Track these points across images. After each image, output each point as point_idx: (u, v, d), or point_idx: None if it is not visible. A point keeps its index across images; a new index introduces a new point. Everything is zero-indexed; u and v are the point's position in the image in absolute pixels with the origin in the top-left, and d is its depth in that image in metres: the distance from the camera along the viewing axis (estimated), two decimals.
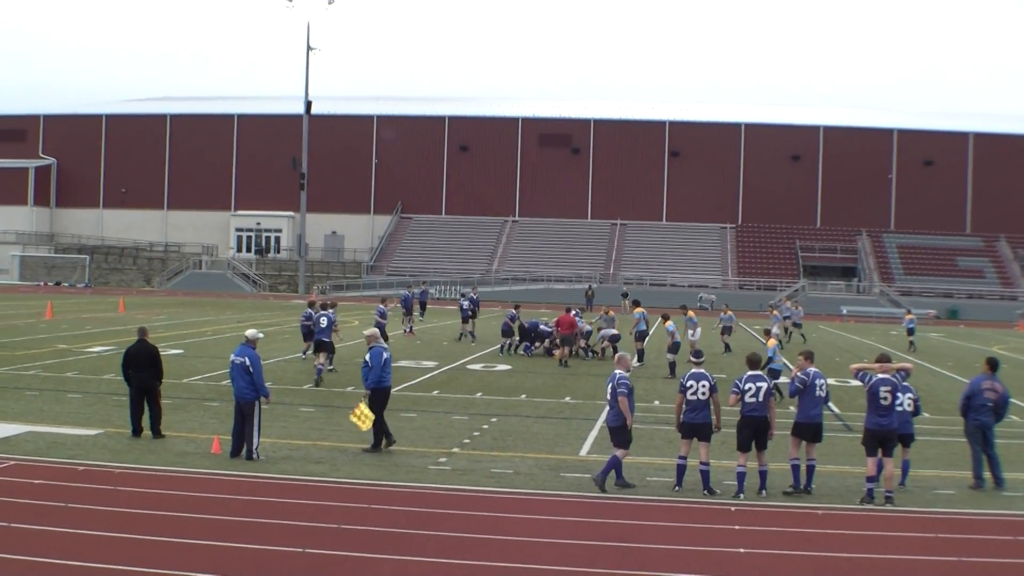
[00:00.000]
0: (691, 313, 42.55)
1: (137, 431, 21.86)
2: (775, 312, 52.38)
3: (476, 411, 26.86)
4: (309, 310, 35.50)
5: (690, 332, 39.00)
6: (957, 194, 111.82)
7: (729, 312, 49.77)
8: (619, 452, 18.25)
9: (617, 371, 18.57)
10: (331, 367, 33.13)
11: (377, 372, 21.05)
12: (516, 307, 46.81)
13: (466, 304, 50.62)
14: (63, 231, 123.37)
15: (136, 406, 21.94)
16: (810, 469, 18.44)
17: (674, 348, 36.74)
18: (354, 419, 20.64)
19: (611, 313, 45.51)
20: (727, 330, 47.65)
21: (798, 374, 18.69)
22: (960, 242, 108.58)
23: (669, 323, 37.62)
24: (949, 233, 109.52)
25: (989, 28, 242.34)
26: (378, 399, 21.05)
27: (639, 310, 41.19)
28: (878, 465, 17.61)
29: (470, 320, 50.19)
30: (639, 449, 21.88)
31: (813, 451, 18.55)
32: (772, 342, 31.06)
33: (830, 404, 22.03)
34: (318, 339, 32.73)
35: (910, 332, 55.08)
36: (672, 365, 36.44)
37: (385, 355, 21.38)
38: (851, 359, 43.34)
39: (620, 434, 18.31)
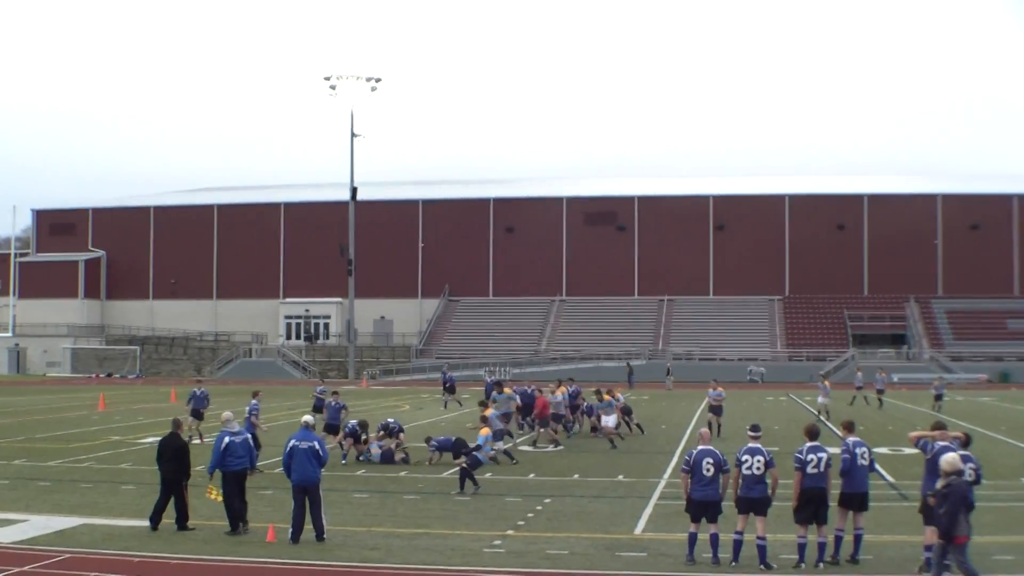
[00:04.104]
0: (616, 394, 42.62)
1: (154, 523, 21.57)
2: (825, 382, 52.44)
3: (529, 492, 26.80)
4: (195, 389, 37.24)
5: (605, 418, 38.14)
6: (1004, 256, 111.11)
7: (826, 383, 51.67)
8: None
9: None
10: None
11: (216, 457, 21.16)
12: (561, 382, 43.43)
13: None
14: (114, 322, 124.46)
15: (162, 498, 21.68)
16: (857, 539, 18.40)
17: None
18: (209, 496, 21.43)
19: (612, 395, 40.29)
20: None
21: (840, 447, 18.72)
22: (1009, 304, 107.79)
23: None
24: (998, 296, 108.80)
25: None
26: (225, 482, 21.19)
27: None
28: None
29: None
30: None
31: (860, 520, 18.47)
32: (485, 431, 28.94)
33: (877, 468, 21.98)
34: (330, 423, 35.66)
35: (879, 392, 59.70)
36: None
37: (227, 440, 21.22)
38: (905, 427, 43.08)
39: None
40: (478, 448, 27.57)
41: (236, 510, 21.20)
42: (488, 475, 29.74)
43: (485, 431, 28.75)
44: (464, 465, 26.83)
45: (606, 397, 39.34)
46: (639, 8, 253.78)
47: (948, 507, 15.66)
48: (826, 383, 52.27)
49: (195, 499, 22.62)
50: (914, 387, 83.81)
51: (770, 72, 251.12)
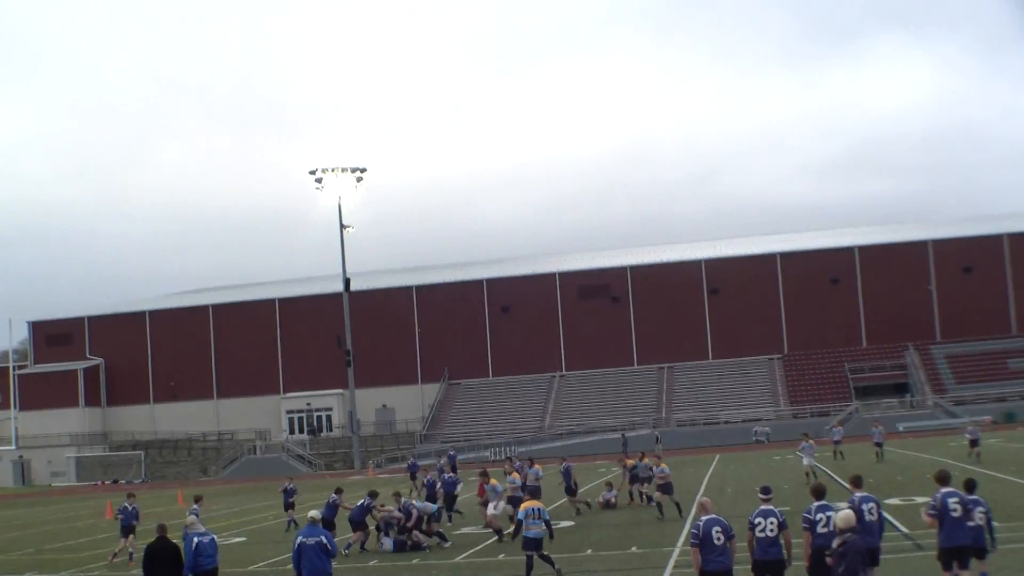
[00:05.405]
0: (629, 463, 42.39)
1: None
2: (810, 440, 50.52)
3: (544, 571, 26.59)
4: (125, 503, 35.35)
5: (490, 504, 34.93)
6: (999, 296, 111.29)
7: (811, 441, 50.46)
8: None
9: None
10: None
11: (189, 559, 20.96)
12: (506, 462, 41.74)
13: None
14: (116, 428, 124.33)
15: None
16: None
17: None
18: None
19: (513, 475, 37.65)
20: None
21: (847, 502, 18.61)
22: (1008, 344, 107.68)
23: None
24: (996, 337, 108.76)
25: (1011, 129, 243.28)
26: None
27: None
28: None
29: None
30: None
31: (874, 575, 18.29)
32: (526, 504, 26.65)
33: (888, 520, 21.90)
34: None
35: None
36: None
37: (197, 540, 21.16)
38: (914, 477, 43.06)
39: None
40: (519, 525, 25.72)
41: None
42: (500, 556, 29.65)
43: (526, 504, 26.43)
44: (539, 554, 25.22)
45: (492, 481, 35.50)
46: (605, 89, 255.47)
47: (847, 565, 15.63)
48: (811, 442, 50.42)
49: None
50: (920, 435, 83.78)
51: (752, 131, 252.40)
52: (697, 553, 17.77)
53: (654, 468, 39.05)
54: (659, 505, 36.54)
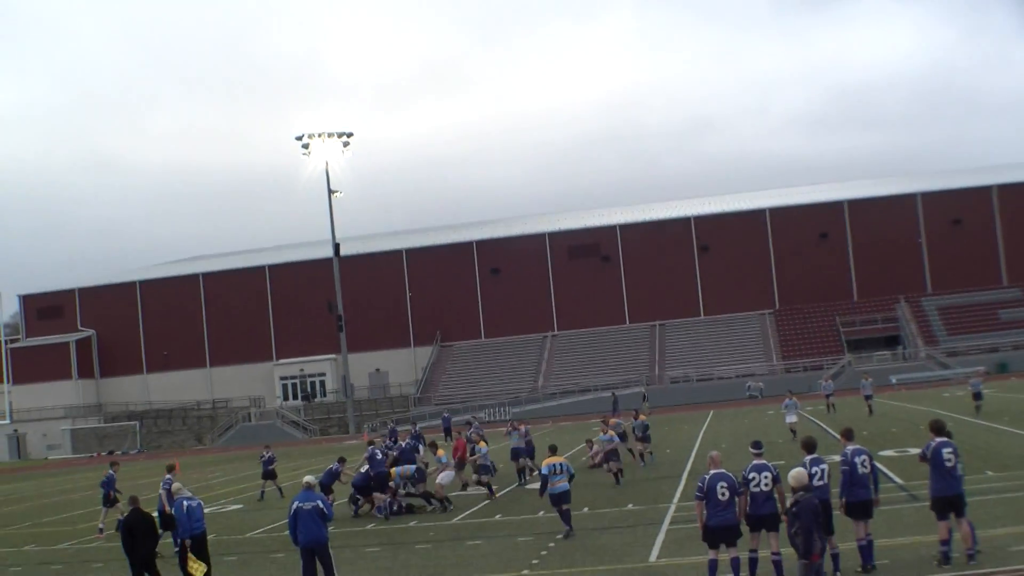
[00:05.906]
0: (482, 443, 40.71)
1: None
2: (793, 397, 47.97)
3: (540, 530, 26.61)
4: (110, 471, 35.32)
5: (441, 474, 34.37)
6: (989, 248, 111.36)
7: (795, 398, 48.82)
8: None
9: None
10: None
11: (184, 523, 21.17)
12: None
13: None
14: (110, 400, 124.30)
15: None
16: (869, 545, 18.12)
17: None
18: (191, 570, 20.90)
19: (480, 444, 37.52)
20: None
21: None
22: (999, 295, 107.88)
23: None
24: (986, 288, 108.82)
25: (999, 81, 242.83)
26: (198, 546, 21.35)
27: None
28: (949, 529, 17.52)
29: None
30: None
31: (865, 528, 18.16)
32: (550, 460, 26.16)
33: (881, 471, 21.78)
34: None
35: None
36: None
37: (187, 504, 21.38)
38: (909, 428, 43.11)
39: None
40: (545, 481, 25.53)
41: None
42: (497, 516, 29.67)
43: (548, 460, 25.97)
44: (561, 509, 25.40)
45: (440, 452, 35.29)
46: (592, 47, 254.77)
47: (800, 524, 15.61)
48: (794, 399, 48.08)
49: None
50: (913, 387, 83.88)
51: (741, 86, 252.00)
52: (701, 507, 17.77)
53: (601, 435, 38.34)
54: (615, 474, 35.50)
